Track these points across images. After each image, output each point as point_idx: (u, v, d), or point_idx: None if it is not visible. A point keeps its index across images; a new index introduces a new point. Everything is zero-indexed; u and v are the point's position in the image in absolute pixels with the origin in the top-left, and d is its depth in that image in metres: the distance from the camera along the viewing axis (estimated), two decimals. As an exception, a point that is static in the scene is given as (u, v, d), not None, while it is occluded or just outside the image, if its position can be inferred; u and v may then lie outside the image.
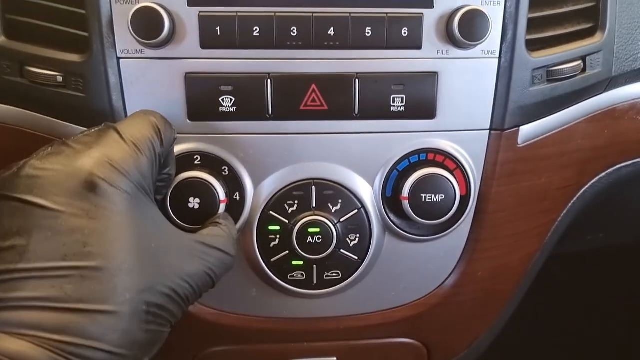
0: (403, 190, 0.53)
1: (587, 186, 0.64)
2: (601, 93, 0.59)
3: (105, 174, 0.40)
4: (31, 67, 0.51)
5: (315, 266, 0.56)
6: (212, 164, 0.52)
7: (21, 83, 0.51)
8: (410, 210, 0.53)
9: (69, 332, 0.36)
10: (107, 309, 0.37)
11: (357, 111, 0.52)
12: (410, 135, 0.53)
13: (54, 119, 0.53)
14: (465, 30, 0.49)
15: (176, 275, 0.42)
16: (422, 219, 0.53)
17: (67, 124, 0.52)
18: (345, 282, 0.56)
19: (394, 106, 0.52)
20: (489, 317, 0.66)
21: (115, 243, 0.39)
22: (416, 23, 0.50)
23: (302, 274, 0.56)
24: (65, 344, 0.36)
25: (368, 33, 0.50)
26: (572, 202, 0.63)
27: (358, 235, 0.55)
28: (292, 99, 0.51)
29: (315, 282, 0.56)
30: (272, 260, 0.55)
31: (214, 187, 0.51)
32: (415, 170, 0.53)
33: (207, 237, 0.46)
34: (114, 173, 0.40)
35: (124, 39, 0.49)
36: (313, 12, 0.49)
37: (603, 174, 0.64)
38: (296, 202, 0.54)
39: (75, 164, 0.40)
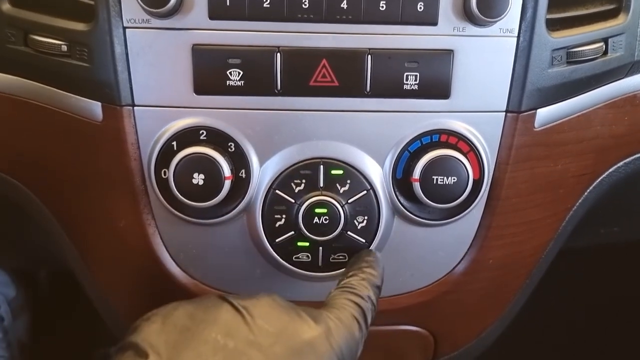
0: (414, 172, 0.51)
1: (604, 175, 0.62)
2: (622, 78, 0.57)
3: None
4: (36, 36, 0.50)
5: (321, 248, 0.54)
6: (217, 139, 0.51)
7: (25, 52, 0.50)
8: (421, 193, 0.51)
9: None
10: None
11: (368, 88, 0.50)
12: (423, 115, 0.51)
13: (57, 90, 0.51)
14: (484, 6, 0.47)
15: None
16: (433, 202, 0.52)
17: (70, 94, 0.51)
18: (351, 266, 0.55)
19: (407, 84, 0.50)
20: (498, 308, 0.64)
21: None
22: (432, -2, 0.48)
23: (307, 256, 0.54)
24: None
25: (382, 7, 0.48)
26: (588, 191, 0.61)
27: (366, 218, 0.53)
28: (301, 74, 0.49)
29: (320, 265, 0.55)
30: (277, 240, 0.54)
31: (219, 163, 0.50)
32: (427, 152, 0.51)
33: None
34: None
35: (131, 8, 0.47)
36: (326, -16, 0.47)
37: (621, 163, 0.62)
38: (303, 181, 0.52)
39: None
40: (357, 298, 0.44)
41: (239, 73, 0.49)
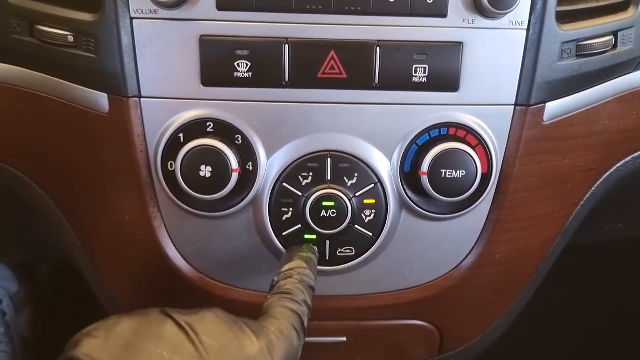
0: (422, 165, 0.51)
1: (611, 170, 0.61)
2: (631, 72, 0.56)
3: None
4: (42, 26, 0.49)
5: (328, 241, 0.54)
6: (225, 131, 0.50)
7: (31, 43, 0.50)
8: (429, 186, 0.51)
9: None
10: None
11: (377, 81, 0.50)
12: (432, 108, 0.51)
13: (63, 81, 0.51)
14: (494, -3, 0.47)
15: None
16: (441, 195, 0.51)
17: (77, 86, 0.51)
18: (358, 259, 0.55)
19: (416, 77, 0.50)
20: (505, 303, 0.64)
21: None
22: (442, -11, 0.48)
23: (314, 250, 0.54)
24: None
25: (391, -2, 0.48)
26: (595, 186, 0.61)
27: (373, 211, 0.53)
28: (310, 66, 0.49)
29: (327, 258, 0.54)
30: (284, 234, 0.53)
31: (226, 155, 0.49)
32: (436, 145, 0.51)
33: None
34: None
35: (138, -2, 0.47)
36: (335, -25, 0.47)
37: (629, 157, 0.62)
38: (311, 174, 0.52)
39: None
40: (295, 305, 0.45)
41: (247, 64, 0.49)
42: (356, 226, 0.53)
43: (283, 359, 0.41)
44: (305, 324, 0.46)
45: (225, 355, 0.39)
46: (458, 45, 0.49)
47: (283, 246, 0.54)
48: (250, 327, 0.42)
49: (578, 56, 0.52)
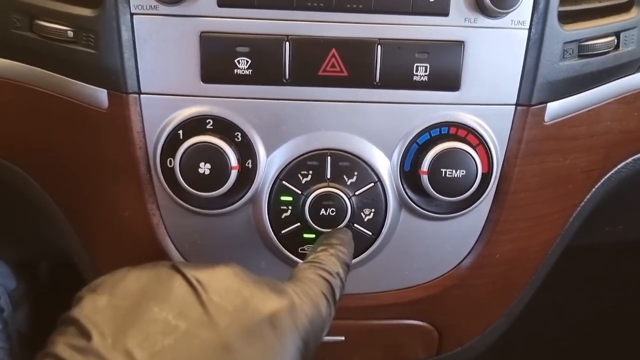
0: (422, 165, 0.51)
1: (612, 171, 0.61)
2: (634, 73, 0.56)
3: None
4: (41, 21, 0.49)
5: (327, 240, 0.54)
6: (224, 129, 0.50)
7: (31, 38, 0.50)
8: (429, 186, 0.51)
9: None
10: None
11: (378, 79, 0.49)
12: (433, 107, 0.51)
13: (63, 77, 0.51)
14: (496, -3, 0.47)
15: None
16: (441, 195, 0.51)
17: (76, 81, 0.50)
18: (358, 258, 0.54)
19: (417, 75, 0.50)
20: (504, 303, 0.64)
21: None
22: (444, -12, 0.48)
23: (313, 248, 0.54)
24: None
25: (393, -4, 0.47)
26: (596, 187, 0.61)
27: (373, 210, 0.53)
28: (310, 64, 0.49)
29: (326, 257, 0.54)
30: (283, 232, 0.53)
31: (225, 152, 0.49)
32: (436, 144, 0.51)
33: None
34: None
35: (138, -6, 0.47)
36: (336, -28, 0.47)
37: (630, 159, 0.61)
38: (310, 172, 0.52)
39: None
40: (326, 274, 0.41)
41: (247, 61, 0.48)
42: (355, 225, 0.53)
43: (307, 326, 0.36)
44: (337, 296, 0.41)
45: (238, 319, 0.34)
46: (459, 44, 0.49)
47: (281, 244, 0.53)
48: (271, 286, 0.37)
49: (580, 56, 0.52)
